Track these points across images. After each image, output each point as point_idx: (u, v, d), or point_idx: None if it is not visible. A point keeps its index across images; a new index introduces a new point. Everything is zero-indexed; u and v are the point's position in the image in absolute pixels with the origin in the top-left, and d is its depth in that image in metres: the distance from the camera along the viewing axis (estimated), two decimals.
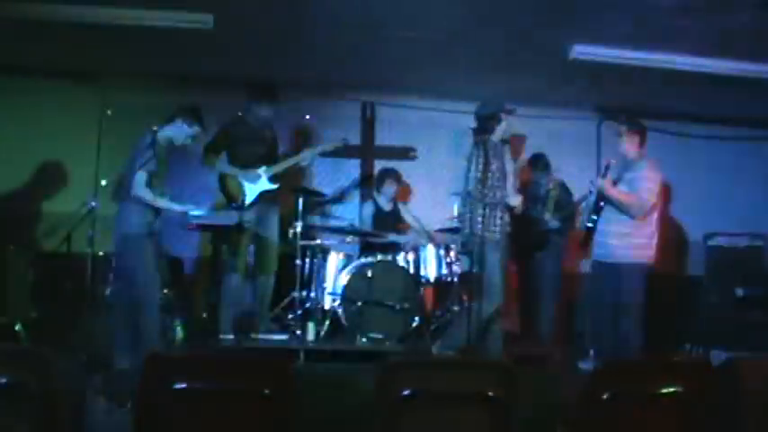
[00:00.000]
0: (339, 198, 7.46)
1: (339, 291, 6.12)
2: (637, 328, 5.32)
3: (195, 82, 6.73)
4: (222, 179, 6.15)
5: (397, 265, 6.31)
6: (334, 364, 5.55)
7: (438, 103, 7.35)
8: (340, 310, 6.07)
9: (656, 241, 5.45)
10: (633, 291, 5.34)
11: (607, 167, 5.45)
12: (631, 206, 5.35)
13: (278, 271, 6.28)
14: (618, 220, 5.40)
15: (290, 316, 6.31)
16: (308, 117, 6.99)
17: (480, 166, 5.25)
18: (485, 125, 5.46)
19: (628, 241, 5.35)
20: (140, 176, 5.12)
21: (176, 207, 5.39)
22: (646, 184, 5.35)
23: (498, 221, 5.34)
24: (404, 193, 7.29)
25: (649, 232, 5.40)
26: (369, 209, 6.91)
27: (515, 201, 5.49)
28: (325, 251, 6.43)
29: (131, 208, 5.17)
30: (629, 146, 5.47)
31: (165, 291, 5.60)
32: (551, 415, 3.27)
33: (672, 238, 7.63)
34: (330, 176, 7.43)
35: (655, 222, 5.44)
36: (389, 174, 6.89)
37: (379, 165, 7.38)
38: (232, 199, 6.04)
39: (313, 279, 6.32)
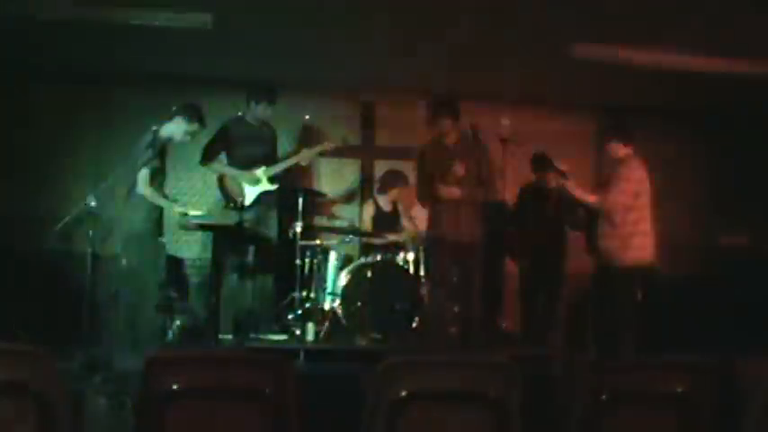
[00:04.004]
0: (346, 199, 7.45)
1: (339, 291, 6.11)
2: (632, 328, 5.33)
3: (195, 82, 6.73)
4: (221, 179, 6.15)
5: (397, 265, 6.31)
6: (334, 364, 5.54)
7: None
8: (340, 310, 6.06)
9: (648, 241, 5.46)
10: (624, 291, 5.37)
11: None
12: (597, 206, 5.45)
13: (278, 271, 6.27)
14: (605, 222, 5.45)
15: (290, 316, 6.31)
16: (307, 117, 6.99)
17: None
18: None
19: (616, 243, 5.39)
20: (143, 174, 5.13)
21: (176, 207, 5.40)
22: (621, 184, 5.40)
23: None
24: (409, 194, 7.24)
25: (636, 231, 5.41)
26: (369, 209, 6.90)
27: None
28: (325, 251, 6.42)
29: (136, 207, 5.18)
30: (613, 147, 5.54)
31: (169, 291, 5.61)
32: (551, 415, 3.27)
33: (671, 237, 7.64)
34: (330, 177, 7.44)
35: (643, 222, 5.46)
36: (396, 176, 6.87)
37: (379, 165, 7.38)
38: (231, 199, 6.04)
39: (313, 279, 6.32)
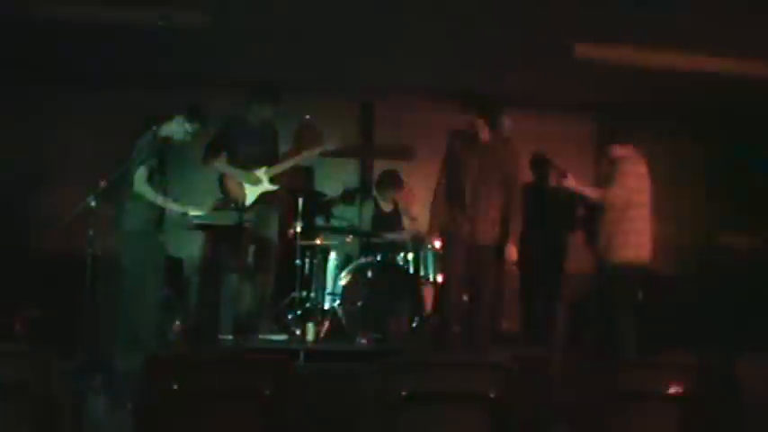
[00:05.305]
0: (343, 199, 7.45)
1: (339, 291, 6.11)
2: (630, 328, 5.33)
3: (195, 82, 6.72)
4: (222, 179, 6.14)
5: (397, 265, 6.31)
6: (334, 364, 5.54)
7: (438, 103, 7.34)
8: (340, 310, 6.07)
9: (647, 239, 5.46)
10: (623, 290, 5.36)
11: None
12: (597, 201, 5.44)
13: (278, 271, 6.27)
14: (605, 219, 5.44)
15: (289, 316, 6.31)
16: (307, 117, 6.99)
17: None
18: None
19: (615, 240, 5.38)
20: (141, 172, 5.13)
21: (176, 207, 5.40)
22: (621, 179, 5.40)
23: None
24: (407, 194, 7.25)
25: (634, 228, 5.40)
26: (369, 209, 6.90)
27: None
28: (325, 251, 6.42)
29: (133, 206, 5.18)
30: (613, 149, 5.54)
31: (165, 290, 5.60)
32: (551, 415, 3.27)
33: (669, 237, 7.64)
34: (331, 177, 7.44)
35: (642, 220, 5.45)
36: (391, 176, 6.87)
37: (378, 165, 7.38)
38: (232, 199, 6.04)
39: (313, 279, 6.32)
